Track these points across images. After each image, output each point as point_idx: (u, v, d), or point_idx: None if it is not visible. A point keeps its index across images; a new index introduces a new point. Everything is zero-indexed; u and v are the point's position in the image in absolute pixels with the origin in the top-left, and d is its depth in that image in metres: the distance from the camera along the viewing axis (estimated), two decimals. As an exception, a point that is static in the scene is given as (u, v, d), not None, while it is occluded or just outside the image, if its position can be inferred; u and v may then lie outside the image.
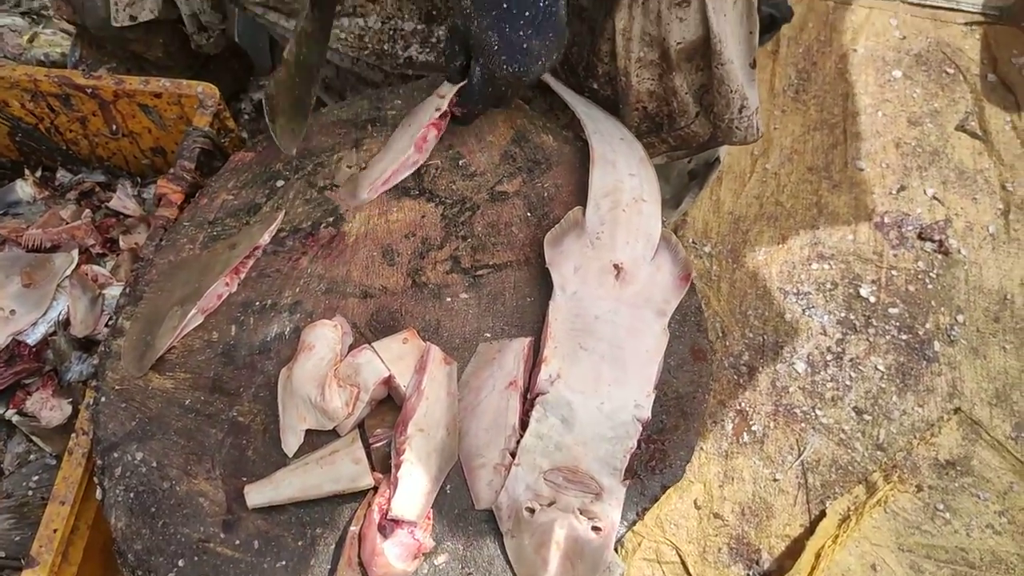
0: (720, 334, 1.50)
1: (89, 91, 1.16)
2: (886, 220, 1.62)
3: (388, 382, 0.81)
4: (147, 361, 0.87)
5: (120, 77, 1.16)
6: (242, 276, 0.93)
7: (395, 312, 0.89)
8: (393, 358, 0.81)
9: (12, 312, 1.11)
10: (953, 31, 1.88)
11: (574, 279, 0.89)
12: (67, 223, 1.20)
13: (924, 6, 1.92)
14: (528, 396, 0.83)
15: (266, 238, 0.95)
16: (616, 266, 0.89)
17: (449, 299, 0.91)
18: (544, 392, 0.81)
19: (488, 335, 0.89)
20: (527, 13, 0.83)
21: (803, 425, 1.42)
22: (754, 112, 1.02)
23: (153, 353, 0.87)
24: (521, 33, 0.84)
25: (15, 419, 1.10)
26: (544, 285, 0.92)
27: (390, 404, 0.84)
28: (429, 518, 0.77)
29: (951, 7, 1.90)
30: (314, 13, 1.00)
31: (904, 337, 1.50)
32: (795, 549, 1.30)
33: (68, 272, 1.14)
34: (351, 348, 0.85)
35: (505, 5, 0.84)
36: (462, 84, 0.97)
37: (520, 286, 0.92)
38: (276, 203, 0.99)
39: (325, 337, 0.82)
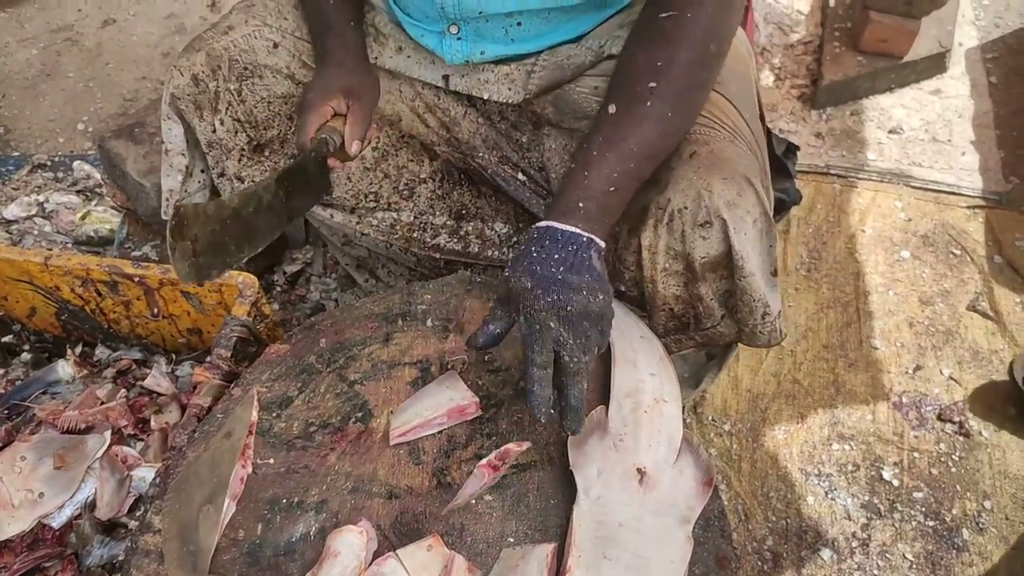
0: (743, 517, 1.48)
1: (136, 279, 1.24)
2: (904, 400, 1.63)
3: (412, 593, 0.81)
4: (202, 567, 0.86)
5: (166, 267, 1.23)
6: (249, 454, 0.95)
7: (420, 514, 0.90)
8: (417, 567, 0.81)
9: (41, 495, 1.13)
10: (957, 214, 1.96)
11: (598, 483, 0.90)
12: (103, 403, 1.24)
13: (927, 190, 2.02)
14: (552, 608, 0.82)
15: (254, 415, 0.98)
16: (639, 470, 0.91)
17: (473, 501, 0.92)
18: (568, 605, 0.81)
19: (511, 539, 0.89)
20: (556, 256, 0.89)
21: (832, 618, 1.37)
22: (776, 317, 1.06)
23: (204, 556, 0.87)
24: (554, 269, 0.89)
25: (30, 608, 1.09)
26: (567, 487, 0.93)
27: (412, 613, 0.83)
28: None
29: (952, 191, 2.00)
30: (277, 189, 1.04)
31: (931, 523, 1.47)
32: None
33: (99, 454, 1.16)
34: (376, 554, 0.85)
35: (535, 253, 0.90)
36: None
37: (543, 487, 0.93)
38: (307, 397, 1.02)
39: (350, 544, 0.83)
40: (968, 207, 1.97)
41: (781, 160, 1.94)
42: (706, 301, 1.05)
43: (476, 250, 1.42)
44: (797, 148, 2.01)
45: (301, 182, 1.09)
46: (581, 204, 0.93)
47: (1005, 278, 1.82)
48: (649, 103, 0.95)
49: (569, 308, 0.88)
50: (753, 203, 0.99)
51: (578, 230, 0.91)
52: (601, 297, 0.90)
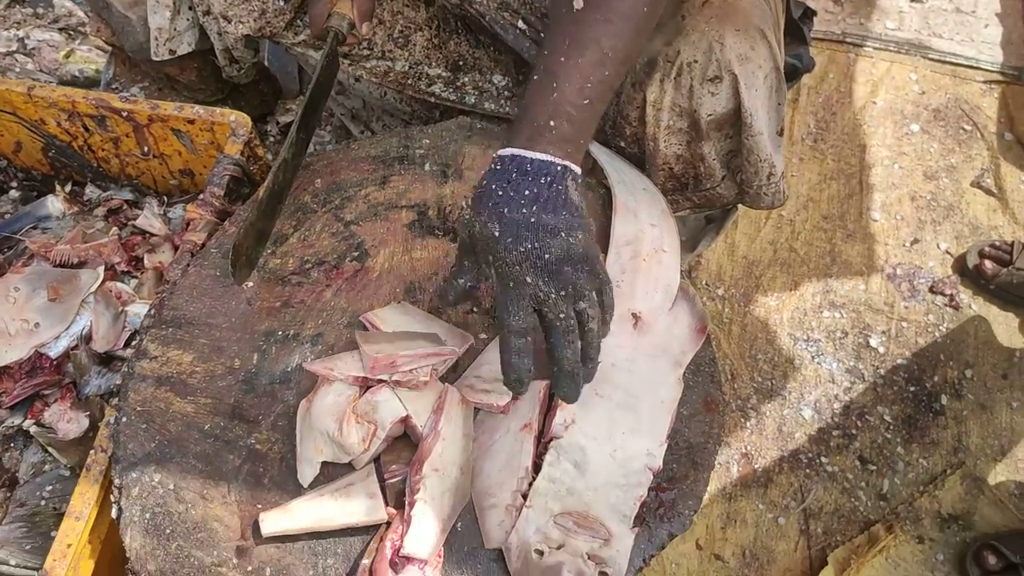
0: (729, 376, 1.52)
1: (125, 114, 1.19)
2: (898, 272, 1.64)
3: (405, 421, 0.82)
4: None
5: (155, 102, 1.18)
6: None
7: (415, 349, 0.91)
8: (411, 397, 0.83)
9: (36, 325, 1.14)
10: (972, 88, 1.90)
11: (592, 325, 0.91)
12: (95, 240, 1.23)
13: (944, 62, 1.95)
14: (542, 439, 0.84)
15: None
16: (634, 315, 0.91)
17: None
18: (558, 436, 0.83)
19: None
20: (526, 192, 0.75)
21: (807, 471, 1.43)
22: (780, 178, 1.04)
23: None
24: (525, 211, 0.75)
25: (33, 430, 1.11)
26: (561, 329, 0.93)
27: (406, 440, 0.85)
28: (440, 556, 0.79)
29: (970, 65, 1.93)
30: (298, 137, 0.99)
31: (912, 389, 1.51)
32: (796, 598, 1.31)
33: (93, 288, 1.16)
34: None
35: (500, 191, 0.75)
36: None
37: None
38: (303, 235, 1.01)
39: (346, 372, 0.84)
40: (984, 82, 1.91)
41: (797, 24, 1.86)
42: (708, 161, 1.02)
43: (473, 101, 1.37)
44: (814, 13, 1.92)
45: (319, 96, 1.05)
46: (552, 123, 0.77)
47: (1013, 155, 1.79)
48: None
49: (547, 256, 0.74)
50: (766, 57, 0.94)
51: (550, 157, 0.77)
52: (581, 235, 0.77)
